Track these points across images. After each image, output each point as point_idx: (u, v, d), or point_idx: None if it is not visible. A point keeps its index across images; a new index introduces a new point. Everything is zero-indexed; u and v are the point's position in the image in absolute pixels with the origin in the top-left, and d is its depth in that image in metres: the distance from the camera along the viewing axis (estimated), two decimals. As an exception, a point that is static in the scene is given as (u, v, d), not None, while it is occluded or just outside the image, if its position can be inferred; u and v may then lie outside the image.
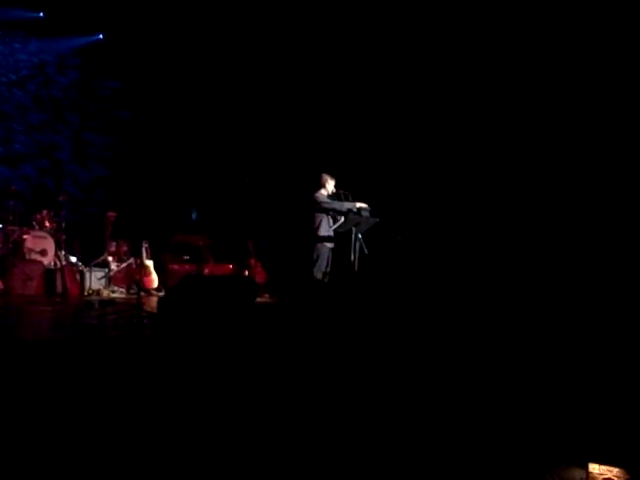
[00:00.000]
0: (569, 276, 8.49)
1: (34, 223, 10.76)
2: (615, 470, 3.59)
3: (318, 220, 9.29)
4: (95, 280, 10.79)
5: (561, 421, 3.88)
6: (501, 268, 9.49)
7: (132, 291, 10.82)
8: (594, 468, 3.63)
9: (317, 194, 9.34)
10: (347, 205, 9.12)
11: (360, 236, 8.91)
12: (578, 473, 3.58)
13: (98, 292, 10.57)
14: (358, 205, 9.06)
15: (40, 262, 10.22)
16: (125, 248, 11.52)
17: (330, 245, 9.38)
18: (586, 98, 9.75)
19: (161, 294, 10.75)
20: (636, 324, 5.44)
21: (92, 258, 11.22)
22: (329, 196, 9.44)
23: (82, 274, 10.74)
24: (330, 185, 9.40)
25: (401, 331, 5.75)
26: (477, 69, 10.90)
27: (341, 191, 9.19)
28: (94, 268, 10.95)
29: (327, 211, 9.27)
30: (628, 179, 9.21)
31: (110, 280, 11.00)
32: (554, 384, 4.26)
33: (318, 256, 9.28)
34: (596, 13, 9.51)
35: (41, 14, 13.00)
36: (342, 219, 9.11)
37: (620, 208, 9.16)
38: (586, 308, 6.34)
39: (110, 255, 11.27)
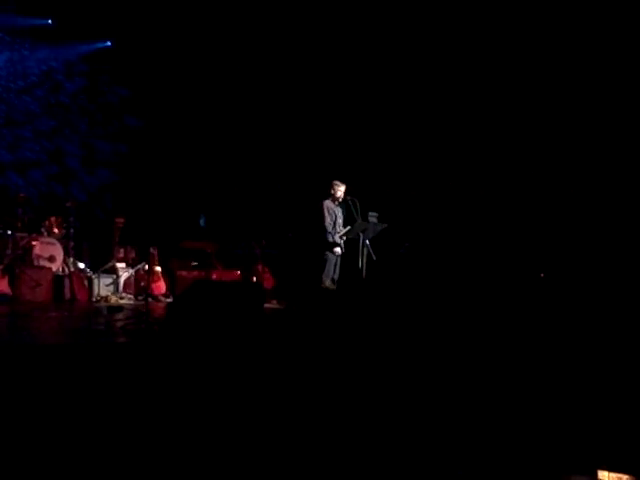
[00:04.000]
0: (580, 283, 8.47)
1: (42, 230, 10.78)
2: (625, 477, 3.58)
3: (327, 227, 9.32)
4: (103, 286, 10.80)
5: (569, 427, 3.87)
6: (509, 275, 9.47)
7: (140, 297, 10.82)
8: (603, 475, 3.61)
9: (325, 202, 9.39)
10: (329, 229, 9.26)
11: (368, 242, 8.93)
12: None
13: (106, 298, 10.57)
14: (343, 232, 9.17)
15: (48, 268, 10.24)
16: (133, 254, 11.53)
17: (338, 252, 9.40)
18: (586, 98, 9.75)
19: (169, 300, 10.76)
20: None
21: (100, 264, 11.24)
22: (338, 203, 9.47)
23: (90, 280, 10.75)
24: (340, 191, 9.44)
25: (409, 337, 5.74)
26: (489, 78, 10.91)
27: (349, 198, 9.21)
28: (102, 274, 10.96)
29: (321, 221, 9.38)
30: (628, 179, 9.20)
31: (118, 286, 11.01)
32: (563, 389, 4.25)
33: (327, 262, 9.31)
34: (596, 13, 9.50)
35: (49, 21, 13.05)
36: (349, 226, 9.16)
37: (620, 208, 9.15)
38: (594, 314, 6.32)
39: (118, 261, 11.27)
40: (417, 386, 4.52)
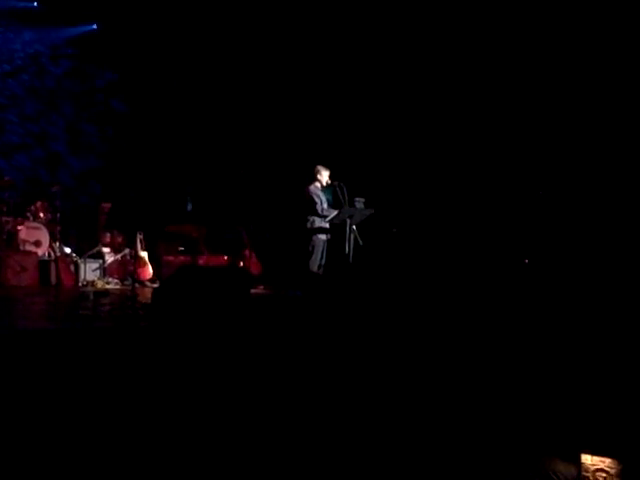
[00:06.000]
0: (564, 270, 8.51)
1: (28, 214, 10.72)
2: (607, 461, 3.61)
3: (318, 212, 9.31)
4: (89, 271, 10.76)
5: (553, 412, 3.90)
6: (495, 260, 9.50)
7: (126, 282, 10.80)
8: (586, 459, 3.64)
9: (310, 187, 9.37)
10: (325, 213, 9.20)
11: (354, 227, 8.93)
12: (569, 466, 3.59)
13: (92, 283, 10.53)
14: (332, 215, 9.10)
15: (34, 253, 10.20)
16: (119, 239, 11.49)
17: (325, 237, 9.40)
18: (586, 98, 9.77)
19: (155, 285, 10.73)
20: (622, 314, 5.46)
21: (86, 249, 11.20)
22: (323, 188, 9.45)
23: (76, 265, 10.71)
24: (324, 176, 9.41)
25: (396, 323, 5.76)
26: (462, 58, 10.92)
27: (335, 182, 9.19)
28: (88, 259, 10.92)
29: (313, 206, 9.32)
30: (628, 179, 9.23)
31: (104, 271, 10.97)
32: (546, 375, 4.27)
33: (313, 248, 9.31)
34: (596, 13, 9.51)
35: (35, 4, 12.93)
36: (336, 211, 9.14)
37: (620, 207, 9.18)
38: (577, 300, 6.35)
39: (104, 246, 11.24)
40: (404, 371, 4.53)
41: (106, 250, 11.19)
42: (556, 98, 10.09)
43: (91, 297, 8.62)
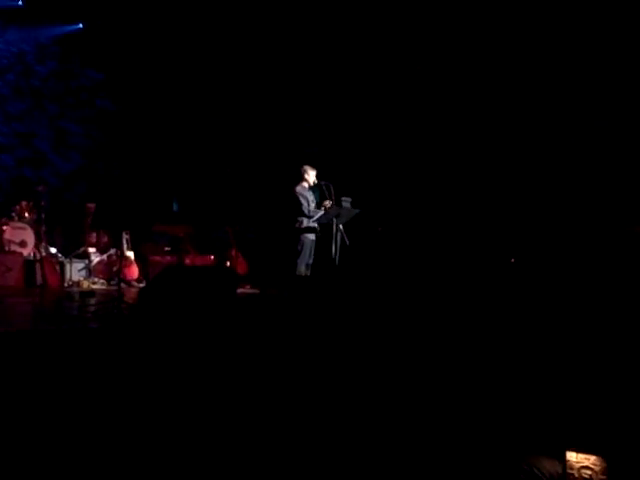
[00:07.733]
0: (550, 269, 8.55)
1: (13, 214, 10.67)
2: (592, 458, 3.63)
3: (305, 212, 9.32)
4: (75, 271, 10.74)
5: (539, 410, 3.92)
6: (482, 259, 9.54)
7: (113, 282, 10.76)
8: (571, 456, 3.66)
9: (297, 187, 9.38)
10: (312, 213, 9.21)
11: (341, 227, 8.95)
12: (554, 463, 3.61)
13: (78, 283, 10.51)
14: (319, 215, 9.12)
15: (19, 253, 10.15)
16: (105, 239, 11.46)
17: (313, 236, 9.42)
18: (585, 98, 9.81)
19: (142, 285, 10.71)
20: (607, 312, 5.49)
21: (72, 249, 11.16)
22: (310, 187, 9.46)
23: (62, 265, 10.68)
24: (311, 176, 9.43)
25: (381, 322, 5.77)
26: (446, 57, 10.96)
27: (322, 182, 9.20)
28: (74, 259, 10.89)
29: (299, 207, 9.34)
30: (627, 179, 9.28)
31: (90, 271, 10.95)
32: (532, 373, 4.29)
33: (302, 247, 9.32)
34: (596, 13, 9.55)
35: (20, 2, 12.85)
36: (322, 211, 9.16)
37: (619, 207, 9.23)
38: (558, 298, 6.39)
39: (90, 246, 11.20)
40: (389, 369, 4.54)
41: (92, 250, 11.16)
42: (542, 97, 10.14)
43: (77, 297, 8.58)
